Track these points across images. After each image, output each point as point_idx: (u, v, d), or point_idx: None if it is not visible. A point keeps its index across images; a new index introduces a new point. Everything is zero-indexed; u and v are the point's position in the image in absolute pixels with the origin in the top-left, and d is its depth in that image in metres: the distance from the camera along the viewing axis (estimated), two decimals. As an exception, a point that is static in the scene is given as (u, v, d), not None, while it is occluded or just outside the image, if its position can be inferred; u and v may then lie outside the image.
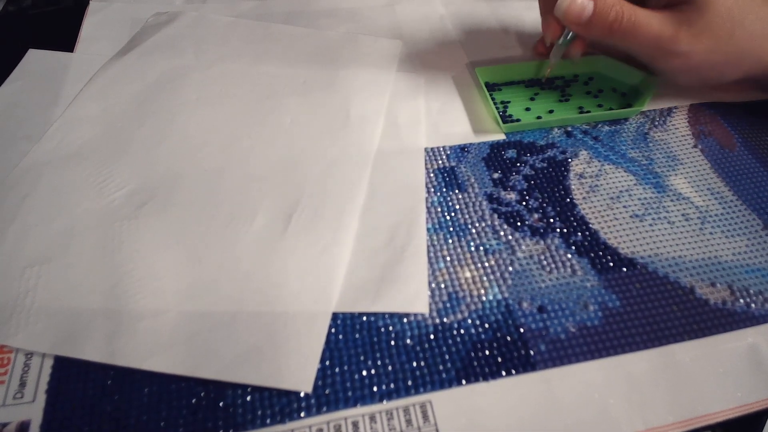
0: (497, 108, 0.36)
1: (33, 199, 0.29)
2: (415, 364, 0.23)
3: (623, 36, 0.31)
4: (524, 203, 0.30)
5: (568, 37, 0.34)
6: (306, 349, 0.23)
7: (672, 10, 0.30)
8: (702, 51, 0.30)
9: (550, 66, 0.36)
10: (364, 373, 0.23)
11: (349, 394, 0.23)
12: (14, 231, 0.28)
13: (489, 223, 0.29)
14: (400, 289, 0.26)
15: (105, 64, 0.38)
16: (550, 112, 0.36)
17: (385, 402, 0.22)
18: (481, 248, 0.28)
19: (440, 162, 0.32)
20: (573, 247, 0.28)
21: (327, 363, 0.23)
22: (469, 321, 0.25)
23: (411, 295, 0.25)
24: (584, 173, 0.32)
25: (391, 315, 0.25)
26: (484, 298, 0.26)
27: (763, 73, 0.32)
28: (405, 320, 0.25)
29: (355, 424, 0.22)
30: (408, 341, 0.24)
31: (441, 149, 0.33)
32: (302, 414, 0.22)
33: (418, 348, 0.24)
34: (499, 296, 0.26)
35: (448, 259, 0.27)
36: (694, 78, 0.33)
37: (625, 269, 0.27)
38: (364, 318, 0.25)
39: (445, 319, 0.25)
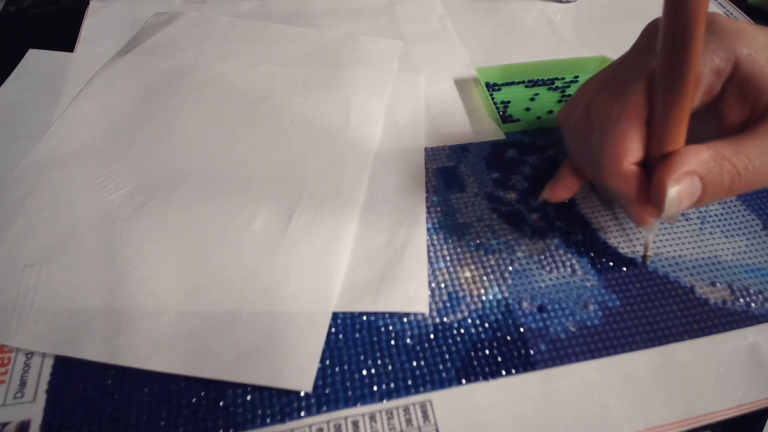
0: (497, 108, 0.36)
1: (33, 199, 0.29)
2: (415, 363, 0.23)
3: (746, 189, 0.23)
4: (524, 203, 0.30)
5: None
6: (306, 349, 0.23)
7: None
8: None
9: (649, 245, 0.28)
10: (364, 372, 0.23)
11: (350, 393, 0.23)
12: (14, 231, 0.28)
13: (489, 222, 0.29)
14: (400, 289, 0.26)
15: (105, 64, 0.38)
16: (550, 112, 0.36)
17: (385, 401, 0.22)
18: (482, 248, 0.28)
19: (440, 162, 0.32)
20: (573, 247, 0.28)
21: (327, 362, 0.23)
22: (469, 320, 0.25)
23: (411, 295, 0.25)
24: (584, 173, 0.32)
25: (391, 314, 0.25)
26: (484, 298, 0.26)
27: None
28: (405, 320, 0.25)
29: (356, 424, 0.22)
30: (408, 341, 0.24)
31: (441, 149, 0.33)
32: (302, 413, 0.22)
33: (418, 347, 0.24)
34: (499, 296, 0.26)
35: (448, 258, 0.27)
36: None
37: (625, 269, 0.27)
38: (364, 318, 0.25)
39: (445, 319, 0.25)
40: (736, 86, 0.23)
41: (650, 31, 0.25)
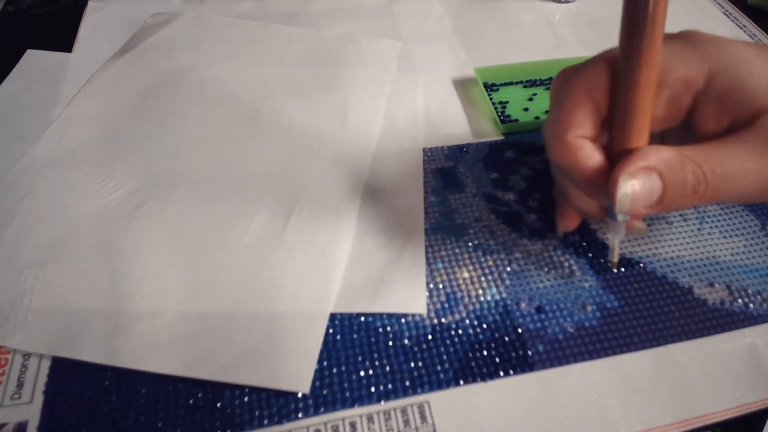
0: (496, 108, 0.36)
1: (31, 200, 0.29)
2: (412, 364, 0.23)
3: (715, 196, 0.21)
4: (523, 203, 0.30)
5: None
6: (304, 350, 0.23)
7: (751, 136, 0.21)
8: None
9: (614, 249, 0.25)
10: (362, 373, 0.23)
11: (347, 394, 0.22)
12: (12, 232, 0.28)
13: (487, 223, 0.29)
14: (398, 290, 0.26)
15: (103, 65, 0.38)
16: (548, 112, 0.36)
17: (382, 402, 0.22)
18: (480, 249, 0.28)
19: (439, 162, 0.32)
20: (571, 248, 0.28)
21: (325, 363, 0.23)
22: (467, 321, 0.25)
23: (409, 296, 0.25)
24: (583, 173, 0.32)
25: (389, 315, 0.25)
26: (482, 299, 0.26)
27: None
28: (403, 321, 0.25)
29: (353, 425, 0.22)
30: (406, 342, 0.24)
31: (440, 149, 0.33)
32: (300, 415, 0.22)
33: (416, 348, 0.24)
34: (497, 296, 0.26)
35: (447, 259, 0.27)
36: None
37: (623, 269, 0.27)
38: (362, 318, 0.25)
39: (443, 320, 0.25)
40: (712, 100, 0.21)
41: None
